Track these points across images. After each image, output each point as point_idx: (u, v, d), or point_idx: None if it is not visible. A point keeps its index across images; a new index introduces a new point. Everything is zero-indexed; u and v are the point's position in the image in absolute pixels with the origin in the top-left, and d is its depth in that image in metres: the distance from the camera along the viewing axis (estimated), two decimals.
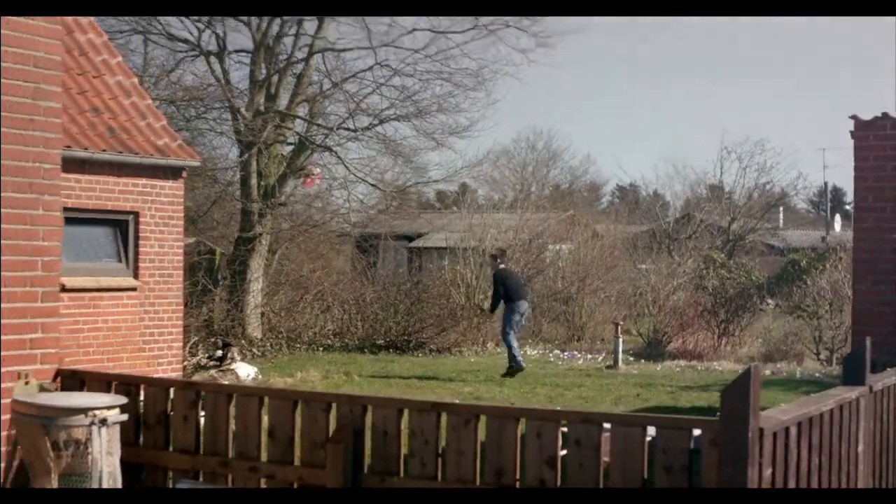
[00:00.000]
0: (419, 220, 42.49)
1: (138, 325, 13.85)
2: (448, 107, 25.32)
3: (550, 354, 24.48)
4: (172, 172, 14.34)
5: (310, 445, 6.39)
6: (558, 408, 15.35)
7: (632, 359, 23.78)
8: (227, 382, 17.55)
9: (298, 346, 23.42)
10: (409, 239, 41.70)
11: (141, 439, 6.93)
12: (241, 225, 23.94)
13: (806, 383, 19.72)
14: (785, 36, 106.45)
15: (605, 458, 5.72)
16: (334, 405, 6.42)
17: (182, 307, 14.50)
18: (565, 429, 5.78)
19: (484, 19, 24.22)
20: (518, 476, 5.87)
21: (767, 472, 5.23)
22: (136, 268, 13.85)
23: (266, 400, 6.62)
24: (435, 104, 25.10)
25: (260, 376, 18.24)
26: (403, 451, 6.23)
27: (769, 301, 35.99)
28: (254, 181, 23.62)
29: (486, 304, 21.75)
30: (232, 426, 6.66)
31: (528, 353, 24.47)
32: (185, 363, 17.79)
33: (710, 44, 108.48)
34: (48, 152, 6.77)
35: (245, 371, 18.06)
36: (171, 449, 6.82)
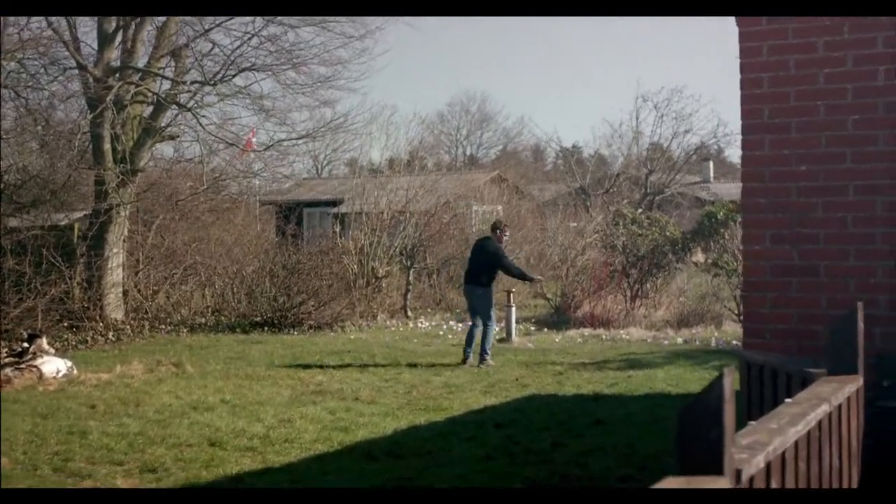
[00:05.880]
0: (342, 186, 38.17)
1: None
2: (329, 59, 21.02)
3: (444, 326, 20.33)
4: None
5: None
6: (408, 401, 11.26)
7: (533, 328, 19.71)
8: (25, 382, 13.33)
9: (164, 327, 19.18)
10: (335, 205, 37.49)
11: None
12: (94, 195, 19.56)
13: (720, 355, 15.70)
14: None
15: None
16: None
17: None
18: None
19: None
20: None
21: None
22: None
23: None
24: (313, 56, 20.78)
25: (74, 371, 13.98)
26: None
27: (700, 257, 31.76)
28: (107, 146, 19.24)
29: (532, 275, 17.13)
30: None
31: (421, 325, 20.37)
32: None
33: None
34: None
35: (53, 367, 13.78)
36: None
